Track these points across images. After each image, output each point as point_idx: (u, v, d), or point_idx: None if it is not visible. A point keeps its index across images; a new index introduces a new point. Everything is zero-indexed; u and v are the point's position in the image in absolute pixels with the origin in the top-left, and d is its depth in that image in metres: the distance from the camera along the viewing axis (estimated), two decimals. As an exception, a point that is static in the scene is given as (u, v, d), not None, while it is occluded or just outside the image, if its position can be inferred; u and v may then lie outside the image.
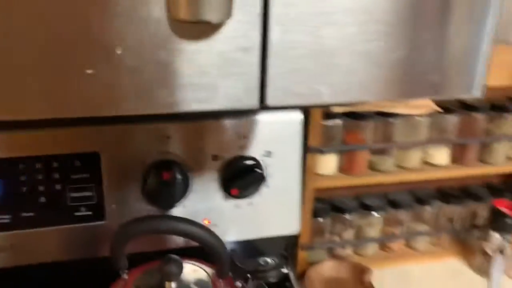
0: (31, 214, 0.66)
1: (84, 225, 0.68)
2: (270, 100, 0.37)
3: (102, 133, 0.66)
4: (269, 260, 0.80)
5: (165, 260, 0.61)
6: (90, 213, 0.68)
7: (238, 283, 0.63)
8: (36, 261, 0.67)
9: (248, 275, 0.63)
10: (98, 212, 0.68)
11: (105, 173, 0.67)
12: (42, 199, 0.66)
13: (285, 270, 0.85)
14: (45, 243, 0.68)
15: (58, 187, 0.66)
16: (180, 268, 0.61)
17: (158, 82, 0.34)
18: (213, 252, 0.59)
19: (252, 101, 0.36)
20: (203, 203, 0.74)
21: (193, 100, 0.35)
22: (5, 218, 0.66)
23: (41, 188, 0.66)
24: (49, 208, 0.66)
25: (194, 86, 0.35)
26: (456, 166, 0.95)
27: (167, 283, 0.61)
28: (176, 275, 0.60)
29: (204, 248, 0.59)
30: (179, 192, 0.71)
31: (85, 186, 0.67)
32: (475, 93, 0.39)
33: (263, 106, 0.37)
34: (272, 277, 0.74)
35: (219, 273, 0.62)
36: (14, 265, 0.67)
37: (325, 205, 0.92)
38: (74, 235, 0.68)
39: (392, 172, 0.90)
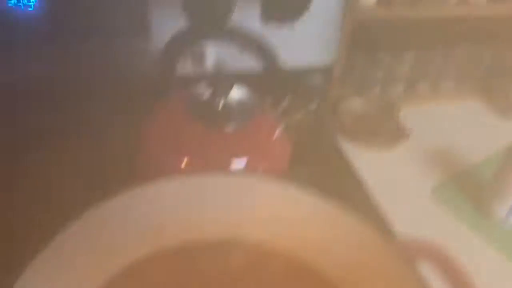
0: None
1: (128, 40, 0.67)
2: None
3: None
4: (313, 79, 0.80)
5: (216, 75, 0.60)
6: (133, 28, 0.66)
7: (283, 103, 0.63)
8: (81, 76, 0.67)
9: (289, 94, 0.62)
10: (142, 27, 0.67)
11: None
12: (83, 12, 0.64)
13: (317, 103, 0.86)
14: (89, 58, 0.67)
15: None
16: (231, 84, 0.60)
17: None
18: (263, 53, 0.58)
19: None
20: (243, 25, 0.72)
21: None
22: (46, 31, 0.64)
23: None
24: (92, 21, 0.64)
25: None
26: (495, 5, 0.92)
27: (217, 98, 0.61)
28: (227, 90, 0.60)
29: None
30: (220, 9, 0.68)
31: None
32: None
33: None
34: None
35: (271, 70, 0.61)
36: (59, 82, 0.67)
37: (359, 42, 0.91)
38: (117, 50, 0.67)
39: (431, 7, 0.87)
